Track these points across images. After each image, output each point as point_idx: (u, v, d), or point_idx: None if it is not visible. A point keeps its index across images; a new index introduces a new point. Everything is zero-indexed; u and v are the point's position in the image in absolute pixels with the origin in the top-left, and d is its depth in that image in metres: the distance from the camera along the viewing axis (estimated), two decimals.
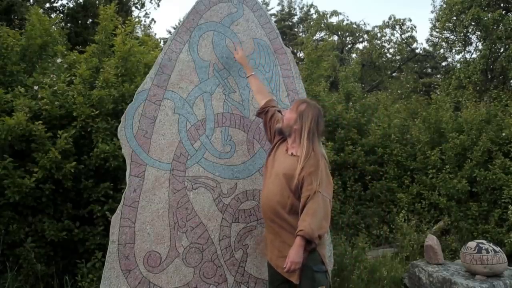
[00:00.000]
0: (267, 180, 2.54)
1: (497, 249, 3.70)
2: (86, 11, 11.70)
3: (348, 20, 17.65)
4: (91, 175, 3.91)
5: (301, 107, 2.50)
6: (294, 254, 2.25)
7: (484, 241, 3.78)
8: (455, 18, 12.83)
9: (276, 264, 2.45)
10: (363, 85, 15.81)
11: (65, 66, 4.67)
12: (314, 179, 2.31)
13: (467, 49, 13.60)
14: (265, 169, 2.64)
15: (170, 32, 19.69)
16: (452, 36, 13.80)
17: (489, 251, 3.64)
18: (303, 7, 22.47)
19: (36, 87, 4.13)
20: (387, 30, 16.55)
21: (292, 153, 2.47)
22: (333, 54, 12.65)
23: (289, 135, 2.52)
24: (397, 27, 16.43)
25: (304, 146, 2.40)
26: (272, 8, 24.74)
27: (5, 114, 3.68)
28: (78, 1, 12.12)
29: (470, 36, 13.19)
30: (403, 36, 16.65)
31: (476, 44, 13.43)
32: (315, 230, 2.22)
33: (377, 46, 16.84)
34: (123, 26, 4.58)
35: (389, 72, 18.45)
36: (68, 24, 11.31)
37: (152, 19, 20.42)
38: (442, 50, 15.93)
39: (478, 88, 12.25)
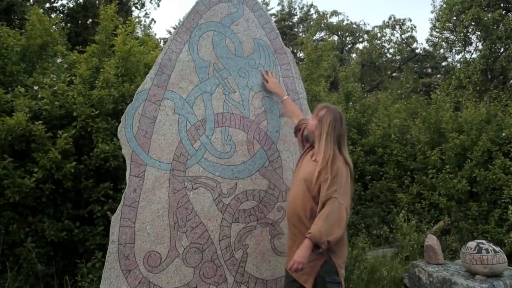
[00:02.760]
0: (292, 186, 2.59)
1: (497, 249, 3.70)
2: (86, 11, 11.71)
3: (348, 20, 17.65)
4: (91, 175, 3.91)
5: (320, 112, 2.51)
6: (299, 254, 2.25)
7: (484, 241, 3.77)
8: (455, 18, 12.81)
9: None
10: (363, 85, 15.81)
11: (65, 66, 4.67)
12: (330, 185, 2.29)
13: (467, 49, 13.58)
14: (293, 176, 2.69)
15: (170, 32, 19.69)
16: (452, 36, 13.79)
17: (489, 251, 3.64)
18: (303, 7, 22.44)
19: (36, 87, 4.13)
20: (387, 30, 16.54)
21: (315, 159, 2.47)
22: (333, 54, 12.62)
23: (314, 141, 2.55)
24: (397, 27, 16.42)
25: (321, 151, 2.40)
26: (272, 8, 24.75)
27: (5, 114, 3.68)
28: (78, 1, 12.12)
29: (470, 36, 13.17)
30: (403, 36, 16.65)
31: (476, 44, 13.41)
32: (323, 234, 2.21)
33: (377, 46, 16.83)
34: (123, 26, 4.58)
35: (389, 72, 18.45)
36: (68, 24, 11.32)
37: (152, 19, 20.47)
38: (442, 50, 15.93)
39: (478, 88, 12.24)
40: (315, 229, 2.23)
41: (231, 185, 2.89)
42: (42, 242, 3.67)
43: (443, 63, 18.67)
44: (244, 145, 2.98)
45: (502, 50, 12.41)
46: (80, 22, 11.74)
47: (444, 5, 13.36)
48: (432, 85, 17.02)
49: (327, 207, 2.26)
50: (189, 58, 2.90)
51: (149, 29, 13.45)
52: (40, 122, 3.68)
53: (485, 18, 11.60)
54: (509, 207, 5.42)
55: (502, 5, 12.56)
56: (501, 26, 11.69)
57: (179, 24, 3.22)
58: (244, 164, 2.95)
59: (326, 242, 2.22)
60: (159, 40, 13.37)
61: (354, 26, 17.69)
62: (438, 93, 9.11)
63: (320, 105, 2.63)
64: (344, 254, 2.46)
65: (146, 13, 19.29)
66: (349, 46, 18.92)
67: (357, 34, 18.26)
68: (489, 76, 12.87)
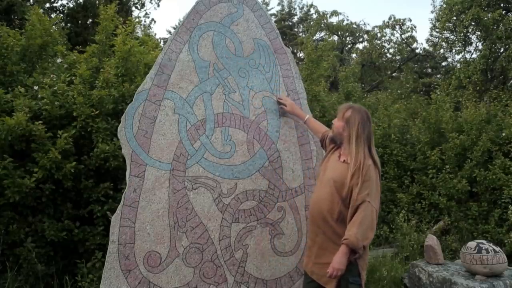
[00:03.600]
0: (318, 187, 2.56)
1: (497, 249, 3.70)
2: (86, 11, 11.72)
3: (348, 20, 17.63)
4: (91, 175, 3.91)
5: (346, 113, 2.48)
6: (337, 261, 2.25)
7: (484, 241, 3.78)
8: (455, 18, 12.81)
9: (312, 270, 2.46)
10: (363, 85, 15.81)
11: (65, 66, 4.67)
12: (363, 188, 2.28)
13: (467, 49, 13.58)
14: (318, 174, 2.66)
15: (170, 32, 19.69)
16: (452, 36, 13.79)
17: (489, 251, 3.64)
18: (303, 7, 22.44)
19: (36, 87, 4.13)
20: (387, 30, 16.53)
21: (344, 160, 2.45)
22: (333, 54, 12.61)
23: (341, 143, 2.52)
24: (397, 27, 16.42)
25: (352, 153, 2.38)
26: (272, 8, 24.74)
27: (5, 114, 3.68)
28: (78, 1, 12.13)
29: (470, 36, 13.17)
30: (403, 36, 16.64)
31: (476, 44, 13.42)
32: (359, 240, 2.22)
33: (377, 46, 16.83)
34: (123, 26, 4.58)
35: (389, 72, 18.44)
36: (68, 24, 11.33)
37: (152, 19, 20.47)
38: (442, 50, 15.92)
39: (478, 88, 12.25)
40: (351, 235, 2.22)
41: (231, 185, 2.89)
42: (42, 242, 3.68)
43: (443, 63, 18.68)
44: (244, 145, 2.98)
45: (502, 50, 12.42)
46: (80, 22, 11.75)
47: (444, 5, 13.36)
48: (432, 85, 17.02)
49: (361, 212, 2.25)
50: (189, 58, 2.90)
51: (149, 29, 13.45)
52: (40, 122, 3.68)
53: (485, 18, 11.60)
54: (509, 207, 5.43)
55: (502, 5, 12.56)
56: (501, 26, 11.69)
57: (179, 24, 3.22)
58: (244, 164, 2.95)
59: (362, 247, 2.24)
60: (159, 40, 13.36)
61: (354, 26, 17.69)
62: (438, 93, 9.12)
63: (343, 105, 2.59)
64: (366, 257, 2.45)
65: (146, 13, 19.30)
66: (349, 46, 18.91)
67: (357, 34, 18.26)
68: (489, 76, 12.87)
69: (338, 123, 2.53)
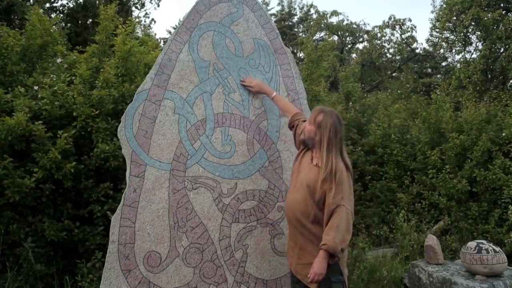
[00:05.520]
0: (292, 188, 2.57)
1: (497, 249, 3.70)
2: (86, 11, 11.71)
3: (348, 20, 17.61)
4: (91, 175, 3.91)
5: (318, 117, 2.46)
6: (318, 266, 2.27)
7: (484, 241, 3.77)
8: (455, 18, 12.82)
9: (296, 270, 2.50)
10: (363, 85, 15.79)
11: (65, 66, 4.67)
12: (336, 193, 2.30)
13: (467, 49, 13.59)
14: (292, 175, 2.66)
15: (170, 32, 19.68)
16: (452, 36, 13.80)
17: (489, 251, 3.64)
18: (303, 7, 22.44)
19: (36, 87, 4.13)
20: (387, 30, 16.52)
21: (316, 164, 2.46)
22: (333, 54, 12.60)
23: (313, 146, 2.52)
24: (397, 27, 16.41)
25: (323, 157, 2.38)
26: (272, 8, 24.70)
27: (5, 114, 3.68)
28: (78, 1, 12.12)
29: (470, 36, 13.18)
30: (403, 36, 16.63)
31: (476, 44, 13.43)
32: (338, 244, 2.24)
33: (377, 46, 16.81)
34: (123, 26, 4.58)
35: (389, 72, 18.43)
36: (68, 24, 11.32)
37: (152, 19, 20.44)
38: (442, 50, 15.92)
39: (478, 88, 12.25)
40: (329, 240, 2.24)
41: (231, 185, 2.89)
42: (42, 242, 3.68)
43: (443, 63, 18.68)
44: (244, 145, 2.98)
45: (502, 50, 12.42)
46: (80, 22, 11.74)
47: (444, 5, 13.37)
48: (432, 85, 17.02)
49: (336, 216, 2.28)
50: (189, 58, 2.90)
51: (149, 29, 13.43)
52: (40, 122, 3.68)
53: (485, 18, 11.60)
54: (509, 207, 5.43)
55: (502, 5, 12.57)
56: (501, 26, 11.70)
57: (179, 24, 3.22)
58: (244, 164, 2.95)
59: (341, 250, 2.27)
60: (159, 40, 13.35)
61: (354, 26, 17.67)
62: (438, 93, 9.11)
63: (315, 109, 2.58)
64: (346, 254, 2.50)
65: (146, 13, 19.27)
66: (349, 46, 18.90)
67: (357, 34, 18.24)
68: (489, 76, 12.88)
69: (309, 127, 2.51)
